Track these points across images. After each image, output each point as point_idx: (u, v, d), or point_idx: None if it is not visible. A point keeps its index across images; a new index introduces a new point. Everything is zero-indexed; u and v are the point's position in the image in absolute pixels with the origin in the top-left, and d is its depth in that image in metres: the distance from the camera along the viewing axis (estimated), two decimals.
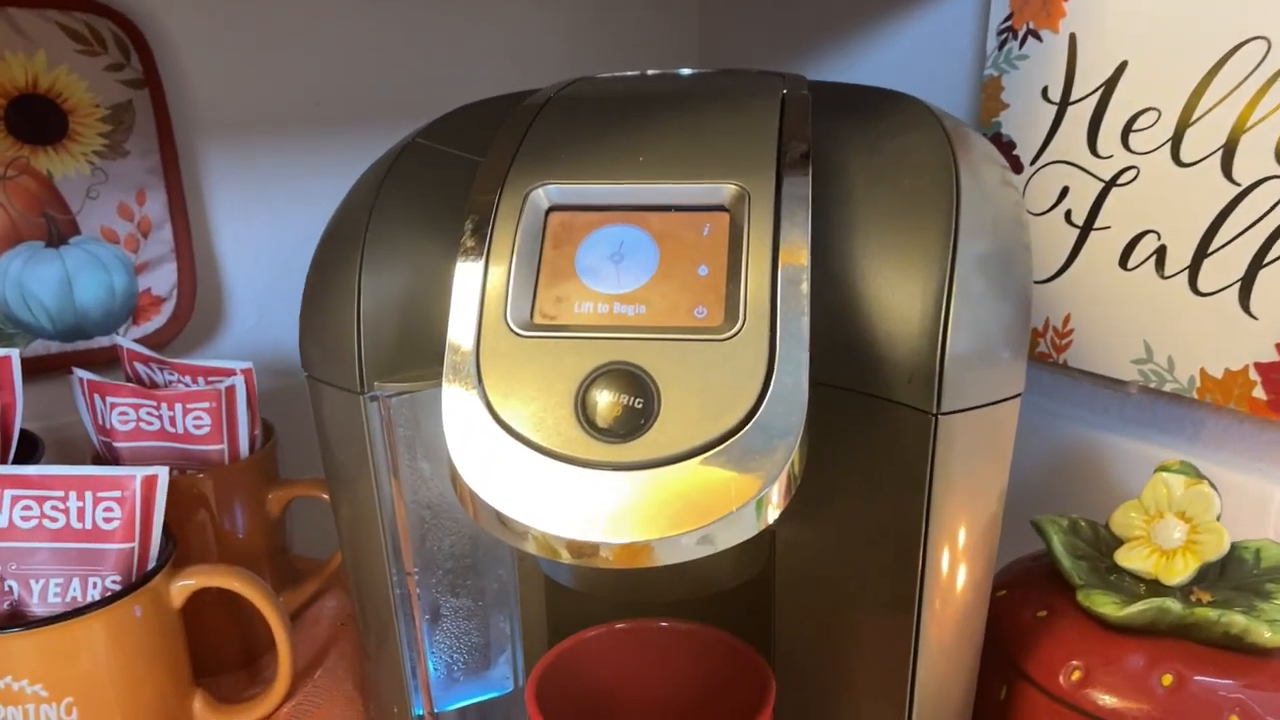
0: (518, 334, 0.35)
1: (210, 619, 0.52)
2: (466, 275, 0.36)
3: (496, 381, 0.34)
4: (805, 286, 0.34)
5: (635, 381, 0.34)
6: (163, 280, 0.63)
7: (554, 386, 0.34)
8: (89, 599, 0.44)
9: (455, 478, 0.34)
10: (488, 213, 0.37)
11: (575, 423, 0.34)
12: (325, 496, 0.53)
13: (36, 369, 0.59)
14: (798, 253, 0.35)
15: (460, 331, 0.35)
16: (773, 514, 0.33)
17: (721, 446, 0.33)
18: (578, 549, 0.33)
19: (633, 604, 0.46)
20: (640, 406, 0.33)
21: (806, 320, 0.34)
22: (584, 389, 0.34)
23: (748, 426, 0.33)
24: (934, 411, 0.36)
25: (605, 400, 0.34)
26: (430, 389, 0.40)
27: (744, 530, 0.33)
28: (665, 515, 0.32)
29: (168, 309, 0.63)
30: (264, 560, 0.55)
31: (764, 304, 0.34)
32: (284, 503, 0.55)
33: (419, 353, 0.39)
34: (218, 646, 0.53)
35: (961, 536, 0.39)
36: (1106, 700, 0.42)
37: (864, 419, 0.38)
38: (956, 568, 0.40)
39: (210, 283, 0.66)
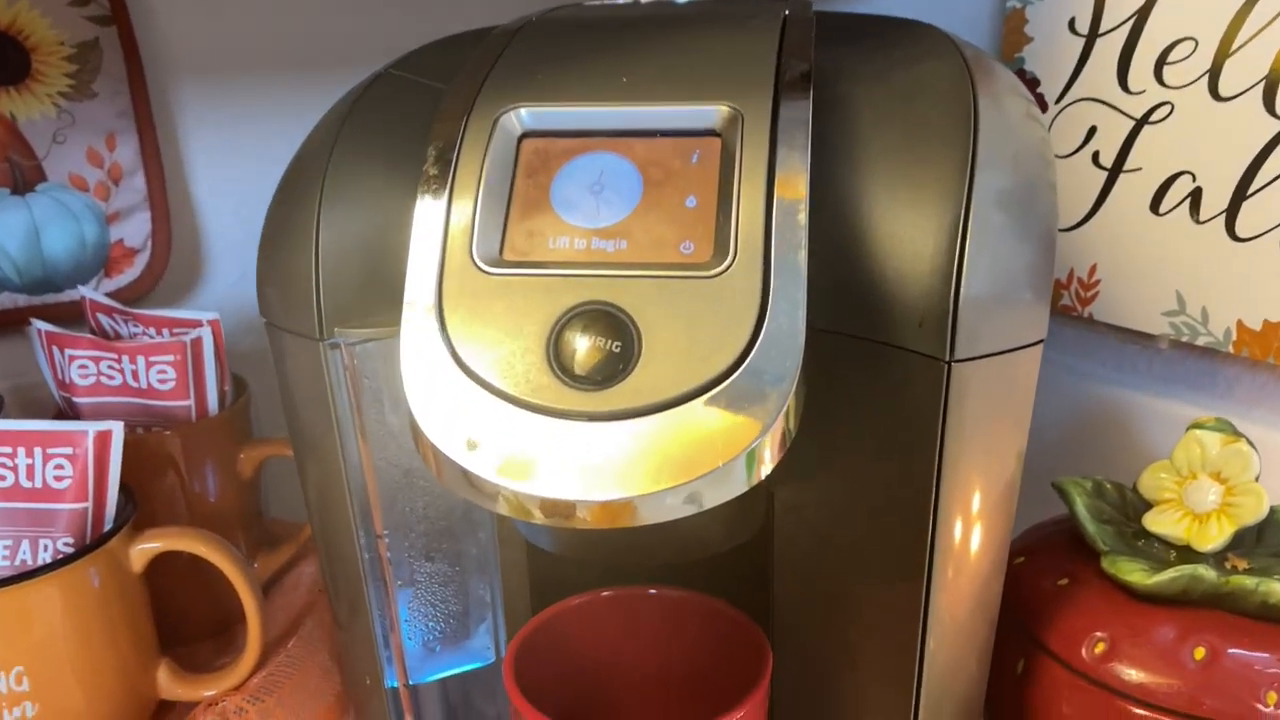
0: (485, 271, 0.31)
1: (179, 586, 0.49)
2: (428, 207, 0.32)
3: (460, 323, 0.31)
4: (803, 217, 0.31)
5: (613, 323, 0.30)
6: (136, 231, 0.60)
7: (524, 329, 0.31)
8: (40, 562, 0.42)
9: (415, 431, 0.31)
10: (453, 139, 0.33)
11: (547, 369, 0.30)
12: None
13: (1, 324, 0.56)
14: (796, 181, 0.32)
15: (420, 268, 0.32)
16: (765, 469, 0.30)
17: (708, 394, 0.30)
18: (551, 508, 0.29)
19: (619, 569, 0.43)
20: (619, 351, 0.30)
21: (804, 254, 0.30)
22: (557, 332, 0.31)
23: (737, 372, 0.30)
24: (947, 358, 0.33)
25: (580, 344, 0.30)
26: (397, 337, 0.36)
27: (733, 487, 0.30)
28: (646, 470, 0.29)
29: (141, 261, 0.60)
30: (236, 524, 0.52)
31: (757, 238, 0.31)
32: (257, 462, 0.52)
33: (384, 296, 0.36)
34: (187, 615, 0.51)
35: (976, 497, 0.36)
36: (1133, 675, 0.39)
37: (869, 368, 0.35)
38: (970, 531, 0.37)
39: (187, 234, 0.63)
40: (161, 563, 0.46)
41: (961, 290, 0.32)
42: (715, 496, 0.29)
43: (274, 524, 0.57)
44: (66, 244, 0.58)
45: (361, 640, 0.43)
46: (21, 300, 0.57)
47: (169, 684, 0.46)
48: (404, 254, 0.33)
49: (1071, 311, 0.56)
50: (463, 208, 0.32)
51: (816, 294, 0.31)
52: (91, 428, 0.41)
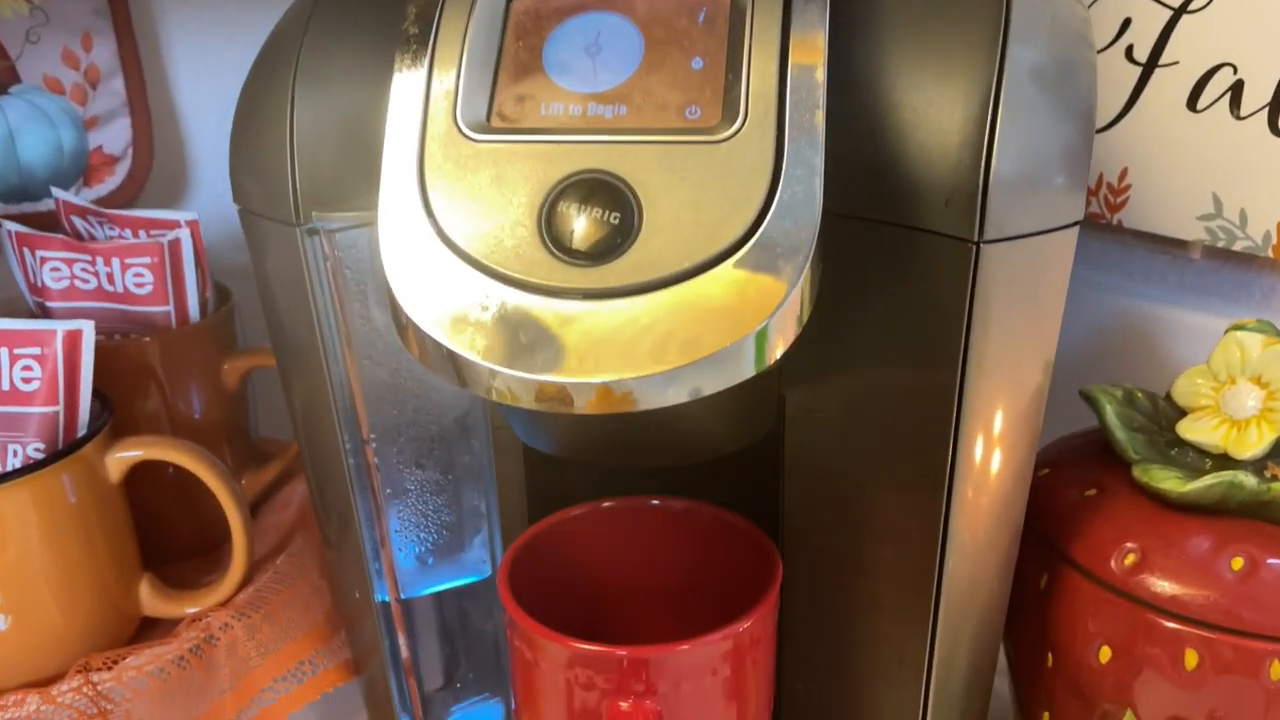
0: (470, 138, 0.29)
1: (163, 501, 0.47)
2: (408, 70, 0.30)
3: (444, 195, 0.28)
4: (821, 75, 0.28)
5: (611, 192, 0.28)
6: (116, 137, 0.57)
7: (514, 200, 0.28)
8: (9, 468, 0.39)
9: (396, 312, 0.28)
10: None
11: (539, 243, 0.28)
12: None
13: None
14: (812, 38, 0.29)
15: (399, 136, 0.29)
16: (776, 351, 0.27)
17: (715, 269, 0.27)
18: (544, 393, 0.27)
19: (620, 475, 0.41)
20: (617, 223, 0.28)
21: (822, 116, 0.28)
22: (550, 203, 0.28)
23: (748, 245, 0.27)
24: (975, 239, 0.30)
25: (575, 216, 0.28)
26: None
27: (742, 370, 0.27)
28: (646, 351, 0.27)
29: (122, 170, 0.58)
30: (222, 438, 0.50)
31: (770, 99, 0.28)
32: (242, 373, 0.50)
33: (364, 180, 0.33)
34: (172, 532, 0.49)
35: (1003, 397, 0.34)
36: (1165, 587, 0.37)
37: (890, 255, 0.32)
38: (996, 435, 0.34)
39: (170, 142, 0.60)
40: (143, 476, 0.44)
41: (993, 164, 0.30)
42: (722, 380, 0.27)
43: (263, 443, 0.55)
44: (42, 150, 0.55)
45: (350, 552, 0.40)
46: None
47: (151, 600, 0.44)
48: (384, 129, 0.30)
49: (1100, 219, 0.53)
50: (446, 70, 0.29)
51: (831, 173, 0.28)
52: (61, 327, 0.39)
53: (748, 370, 0.27)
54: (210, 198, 0.62)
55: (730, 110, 0.28)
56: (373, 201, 0.30)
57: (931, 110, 0.30)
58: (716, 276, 0.27)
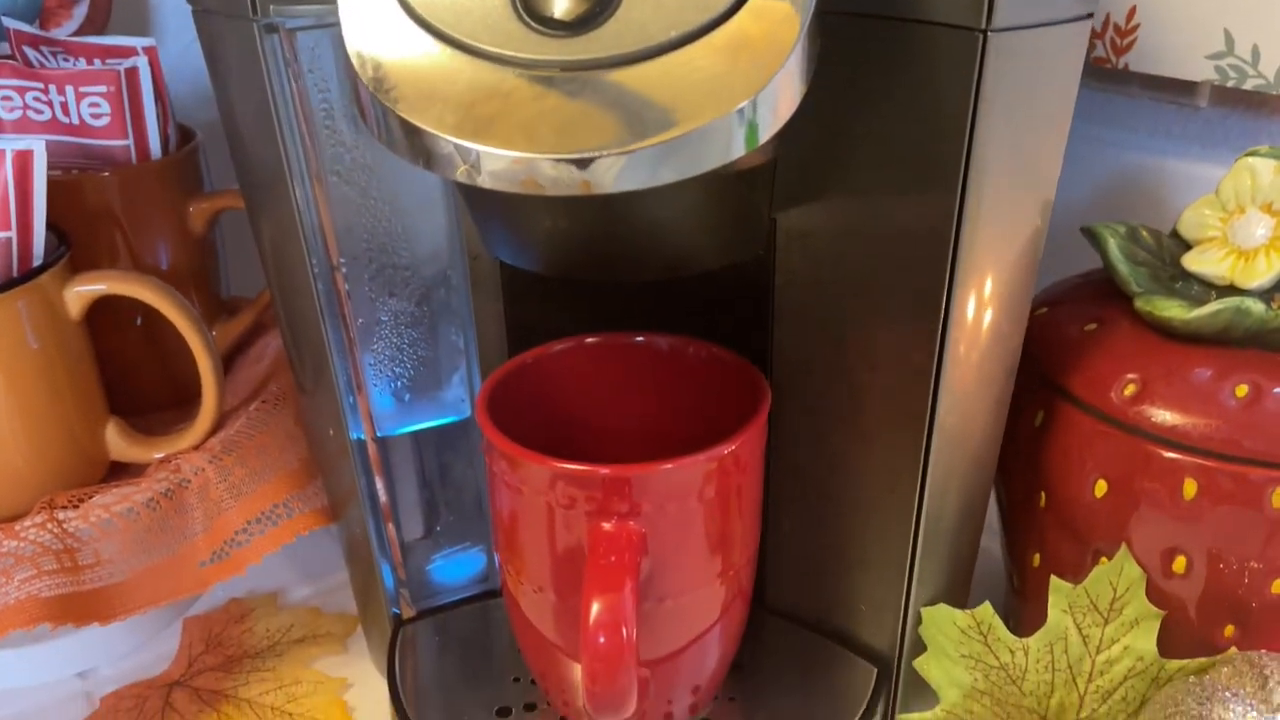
0: None
1: (131, 348, 0.46)
2: None
3: None
4: None
5: None
6: None
7: None
8: None
9: (359, 90, 0.26)
10: None
11: (512, 12, 0.26)
12: None
13: None
14: None
15: None
16: (769, 127, 0.25)
17: (703, 39, 0.25)
18: (513, 170, 0.25)
19: (605, 312, 0.39)
20: None
21: None
22: None
23: (740, 10, 0.25)
24: (982, 27, 0.28)
25: None
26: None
27: (728, 147, 0.25)
28: (628, 125, 0.25)
29: (80, 12, 0.54)
30: (189, 285, 0.48)
31: None
32: (208, 216, 0.47)
33: None
34: (141, 381, 0.47)
35: (1003, 221, 0.32)
36: (1165, 417, 0.35)
37: (888, 55, 0.30)
38: (993, 264, 0.33)
39: None
40: (109, 322, 0.42)
41: None
42: (712, 157, 0.25)
43: (234, 300, 0.53)
44: None
45: (324, 390, 0.39)
46: None
47: (119, 443, 0.43)
48: None
49: (1105, 63, 0.51)
50: None
51: None
52: (9, 145, 0.37)
53: (738, 148, 0.25)
54: (177, 46, 0.59)
55: None
56: None
57: None
58: (705, 46, 0.25)
